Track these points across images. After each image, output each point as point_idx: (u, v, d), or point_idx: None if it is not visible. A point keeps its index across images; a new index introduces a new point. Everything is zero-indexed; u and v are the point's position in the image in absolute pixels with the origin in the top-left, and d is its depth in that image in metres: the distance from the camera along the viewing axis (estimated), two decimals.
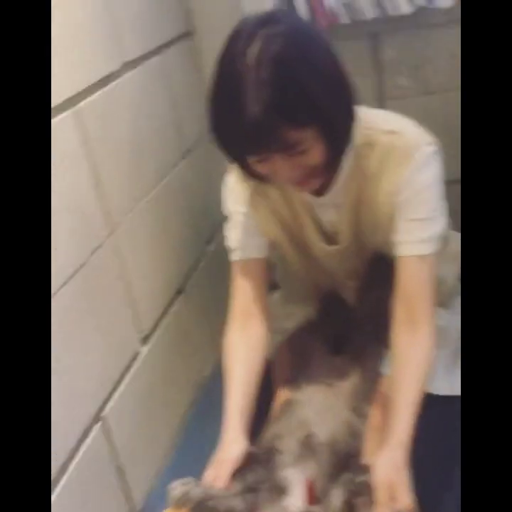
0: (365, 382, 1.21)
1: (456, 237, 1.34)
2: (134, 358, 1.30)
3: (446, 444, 1.20)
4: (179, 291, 1.52)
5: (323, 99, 1.01)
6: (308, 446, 1.07)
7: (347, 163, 1.18)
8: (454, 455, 1.15)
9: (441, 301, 1.32)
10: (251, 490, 1.01)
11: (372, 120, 1.18)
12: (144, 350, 1.34)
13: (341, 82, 1.07)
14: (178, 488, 0.99)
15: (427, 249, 1.17)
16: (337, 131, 1.06)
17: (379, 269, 1.32)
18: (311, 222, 1.27)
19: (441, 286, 1.29)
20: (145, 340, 1.35)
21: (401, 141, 1.15)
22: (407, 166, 1.14)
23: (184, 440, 1.39)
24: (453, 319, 1.36)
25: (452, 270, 1.35)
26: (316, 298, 1.43)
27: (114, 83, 1.29)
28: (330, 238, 1.29)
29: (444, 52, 1.65)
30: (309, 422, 1.11)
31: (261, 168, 1.09)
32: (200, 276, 1.62)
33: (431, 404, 1.21)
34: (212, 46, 1.66)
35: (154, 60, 1.48)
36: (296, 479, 1.03)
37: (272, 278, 1.51)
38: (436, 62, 1.66)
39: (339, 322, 1.37)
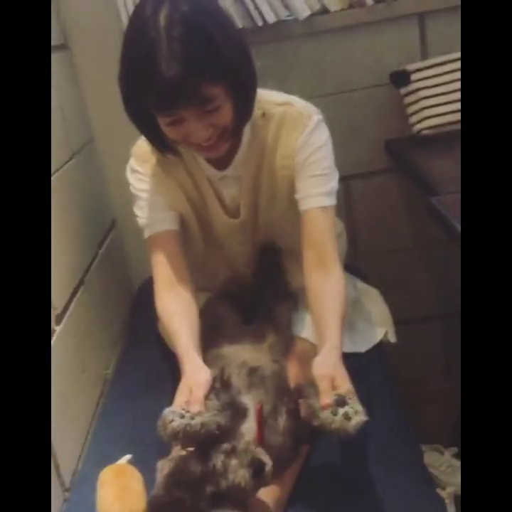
0: (281, 342, 1.32)
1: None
2: None
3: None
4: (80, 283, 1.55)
5: (233, 56, 1.11)
6: (255, 377, 1.15)
7: (246, 135, 1.28)
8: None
9: None
10: (225, 408, 1.05)
11: (265, 94, 1.30)
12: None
13: (245, 44, 1.17)
14: (175, 419, 0.98)
15: (328, 201, 1.29)
16: (245, 91, 1.17)
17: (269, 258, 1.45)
18: (214, 196, 1.35)
19: None
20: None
21: (293, 110, 1.29)
22: (302, 131, 1.27)
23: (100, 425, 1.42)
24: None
25: (338, 246, 1.39)
26: (215, 286, 1.49)
27: None
28: (232, 213, 1.38)
29: (305, 62, 1.82)
30: (247, 362, 1.19)
31: (173, 132, 1.16)
32: (96, 275, 1.67)
33: None
34: (87, 59, 1.77)
35: None
36: (250, 405, 1.11)
37: None
38: (298, 72, 1.82)
39: (242, 296, 1.46)
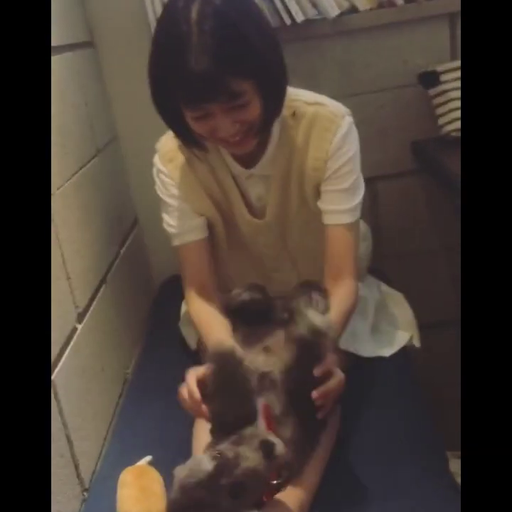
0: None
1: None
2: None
3: (370, 395, 1.35)
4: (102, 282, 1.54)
5: (264, 52, 1.09)
6: (265, 380, 1.13)
7: (275, 133, 1.26)
8: (377, 405, 1.32)
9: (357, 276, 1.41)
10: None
11: (296, 93, 1.28)
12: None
13: (277, 41, 1.16)
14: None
15: (352, 218, 1.29)
16: (274, 87, 1.15)
17: None
18: (239, 196, 1.33)
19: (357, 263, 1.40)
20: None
21: (325, 110, 1.26)
22: (335, 132, 1.25)
23: (120, 425, 1.41)
24: (367, 291, 1.50)
25: (363, 248, 1.47)
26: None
27: None
28: (258, 213, 1.36)
29: (333, 62, 1.80)
30: (259, 366, 1.16)
31: (200, 127, 1.14)
32: (118, 274, 1.65)
33: (357, 364, 1.38)
34: (113, 57, 1.77)
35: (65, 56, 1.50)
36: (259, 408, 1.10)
37: None
38: (326, 71, 1.80)
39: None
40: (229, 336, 1.23)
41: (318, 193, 1.30)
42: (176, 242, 1.36)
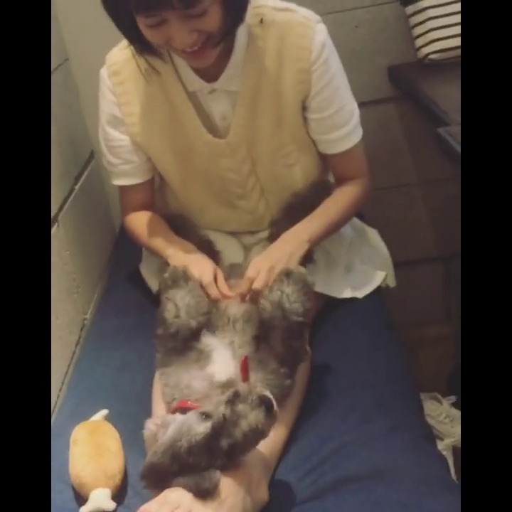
0: None
1: None
2: None
3: (342, 338, 1.28)
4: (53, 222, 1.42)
5: None
6: (220, 316, 1.11)
7: (241, 43, 1.15)
8: (350, 348, 1.25)
9: None
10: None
11: None
12: None
13: None
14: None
15: (356, 138, 1.26)
16: None
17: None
18: (195, 114, 1.22)
19: None
20: None
21: (297, 16, 1.16)
22: (311, 38, 1.15)
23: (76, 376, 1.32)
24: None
25: None
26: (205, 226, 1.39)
27: None
28: (221, 133, 1.25)
29: None
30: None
31: (154, 36, 1.05)
32: (71, 212, 1.53)
33: (330, 306, 1.33)
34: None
35: None
36: (217, 347, 1.06)
37: None
38: None
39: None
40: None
41: (300, 113, 1.21)
42: (115, 182, 1.33)
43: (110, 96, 1.24)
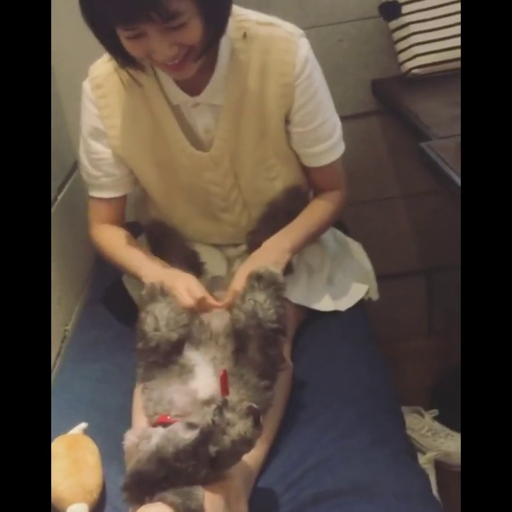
0: None
1: None
2: None
3: (324, 352, 1.27)
4: None
5: None
6: (204, 330, 1.09)
7: (224, 57, 1.15)
8: (331, 361, 1.24)
9: None
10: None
11: (244, 13, 1.17)
12: None
13: None
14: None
15: (338, 152, 1.28)
16: (215, 5, 1.04)
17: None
18: (178, 127, 1.22)
19: None
20: None
21: (281, 30, 1.17)
22: (294, 53, 1.15)
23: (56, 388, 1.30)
24: (323, 240, 1.42)
25: None
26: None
27: None
28: (204, 146, 1.24)
29: None
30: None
31: (134, 48, 1.04)
32: (53, 223, 1.52)
33: (311, 318, 1.33)
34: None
35: None
36: (200, 362, 1.05)
37: None
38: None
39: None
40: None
41: (283, 127, 1.22)
42: (94, 194, 1.32)
43: (93, 109, 1.23)
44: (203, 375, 1.04)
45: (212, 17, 1.04)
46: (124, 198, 1.34)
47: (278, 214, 1.29)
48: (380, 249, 1.57)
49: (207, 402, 1.00)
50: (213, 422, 0.87)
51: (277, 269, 1.07)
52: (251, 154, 1.24)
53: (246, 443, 0.88)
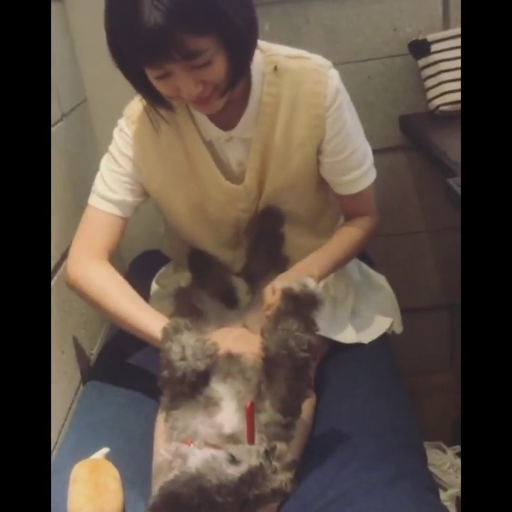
0: None
1: None
2: None
3: (346, 384, 1.28)
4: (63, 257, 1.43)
5: (225, 3, 0.98)
6: (233, 363, 1.07)
7: (256, 91, 1.17)
8: (354, 394, 1.24)
9: None
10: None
11: (272, 47, 1.19)
12: None
13: None
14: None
15: (369, 179, 1.28)
16: (239, 42, 1.04)
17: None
18: (211, 161, 1.23)
19: None
20: None
21: (311, 63, 1.18)
22: (325, 84, 1.17)
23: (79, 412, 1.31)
24: (347, 272, 1.42)
25: None
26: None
27: None
28: (235, 178, 1.26)
29: (318, 27, 1.69)
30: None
31: (163, 87, 1.06)
32: None
33: (335, 351, 1.33)
34: (82, 14, 1.65)
35: None
36: (226, 394, 1.04)
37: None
38: (310, 37, 1.70)
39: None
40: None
41: (311, 156, 1.23)
42: (92, 202, 1.27)
43: (129, 140, 1.24)
44: (228, 409, 1.02)
45: (236, 54, 1.05)
46: (122, 222, 1.27)
47: (259, 240, 1.32)
48: (405, 283, 1.57)
49: (229, 438, 0.98)
50: (261, 464, 0.86)
51: (314, 283, 1.00)
52: (273, 181, 1.26)
53: (283, 494, 0.88)
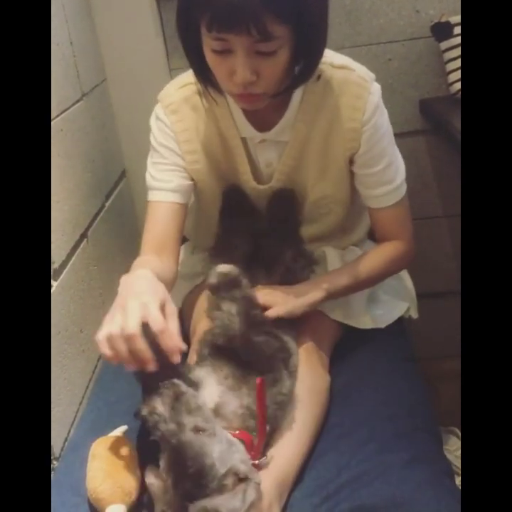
0: None
1: None
2: None
3: (363, 369, 1.28)
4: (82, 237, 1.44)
5: (313, 1, 0.99)
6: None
7: (296, 98, 1.17)
8: (370, 379, 1.24)
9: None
10: None
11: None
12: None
13: None
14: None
15: (401, 194, 1.25)
16: (308, 42, 1.04)
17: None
18: (246, 161, 1.24)
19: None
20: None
21: (354, 75, 1.17)
22: (366, 100, 1.16)
23: (98, 389, 1.32)
24: None
25: (365, 212, 1.38)
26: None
27: None
28: (262, 179, 1.27)
29: (339, 8, 1.67)
30: None
31: (218, 64, 1.04)
32: (101, 229, 1.55)
33: (351, 335, 1.33)
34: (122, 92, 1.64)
35: None
36: (206, 375, 1.05)
37: None
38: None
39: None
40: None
41: (345, 168, 1.23)
42: (151, 197, 1.24)
43: (168, 131, 1.22)
44: (209, 387, 1.05)
45: (301, 53, 1.04)
46: (184, 207, 1.25)
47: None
48: (422, 268, 1.56)
49: (216, 411, 1.01)
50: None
51: (224, 267, 1.09)
52: (309, 190, 1.27)
53: None
